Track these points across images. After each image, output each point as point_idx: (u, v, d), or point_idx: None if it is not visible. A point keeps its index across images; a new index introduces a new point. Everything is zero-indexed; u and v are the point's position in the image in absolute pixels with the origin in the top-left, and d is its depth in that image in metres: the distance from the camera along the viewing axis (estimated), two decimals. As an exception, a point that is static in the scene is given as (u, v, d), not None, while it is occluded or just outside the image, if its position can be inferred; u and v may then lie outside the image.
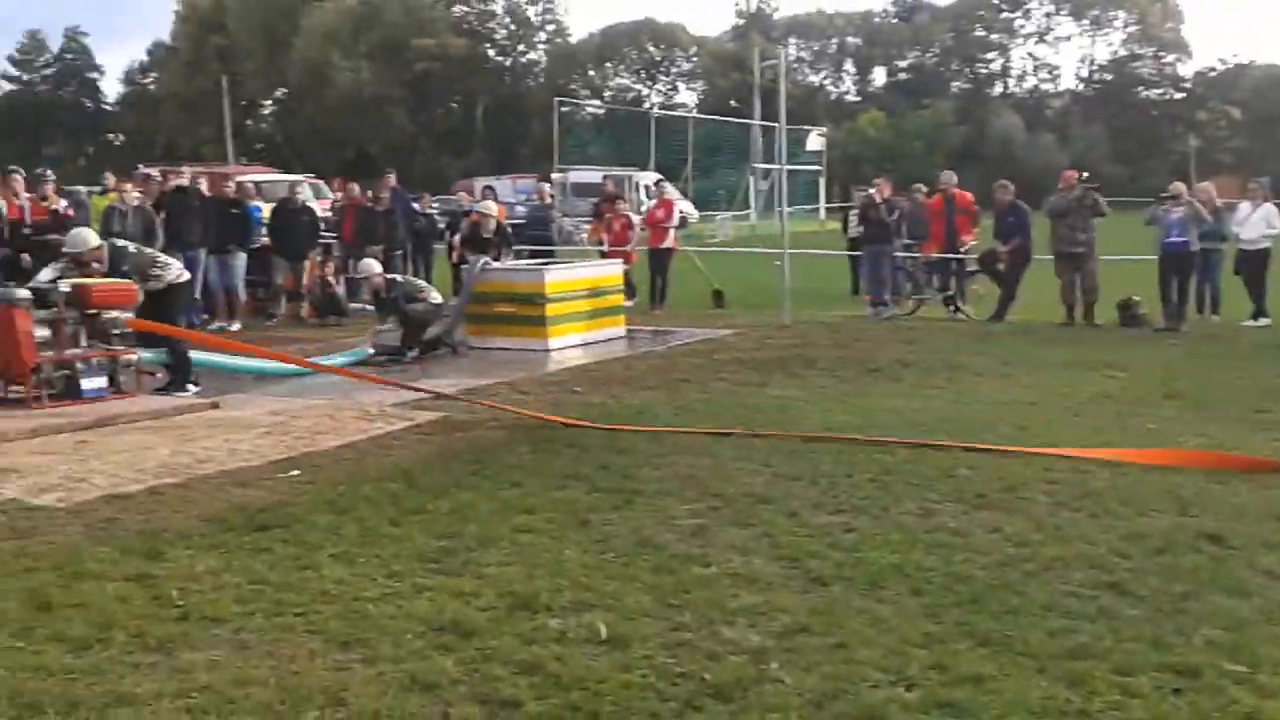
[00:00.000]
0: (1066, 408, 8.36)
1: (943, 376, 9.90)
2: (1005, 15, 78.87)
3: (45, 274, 9.10)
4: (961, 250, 14.80)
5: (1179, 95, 76.23)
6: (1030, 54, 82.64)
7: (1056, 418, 7.95)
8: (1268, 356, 10.95)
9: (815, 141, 49.57)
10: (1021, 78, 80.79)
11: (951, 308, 14.71)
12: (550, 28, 75.87)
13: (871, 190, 15.58)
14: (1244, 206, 14.35)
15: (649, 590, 4.52)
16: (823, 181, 47.99)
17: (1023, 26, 79.95)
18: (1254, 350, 11.41)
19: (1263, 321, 13.39)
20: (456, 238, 15.01)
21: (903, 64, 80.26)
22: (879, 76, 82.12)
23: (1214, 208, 13.89)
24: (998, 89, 79.71)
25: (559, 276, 12.26)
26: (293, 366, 9.46)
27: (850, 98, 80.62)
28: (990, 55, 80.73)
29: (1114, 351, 11.12)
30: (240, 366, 10.01)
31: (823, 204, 46.98)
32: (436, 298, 11.82)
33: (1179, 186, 13.75)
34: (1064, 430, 7.46)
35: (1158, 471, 6.27)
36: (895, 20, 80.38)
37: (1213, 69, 76.39)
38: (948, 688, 3.62)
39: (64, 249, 9.26)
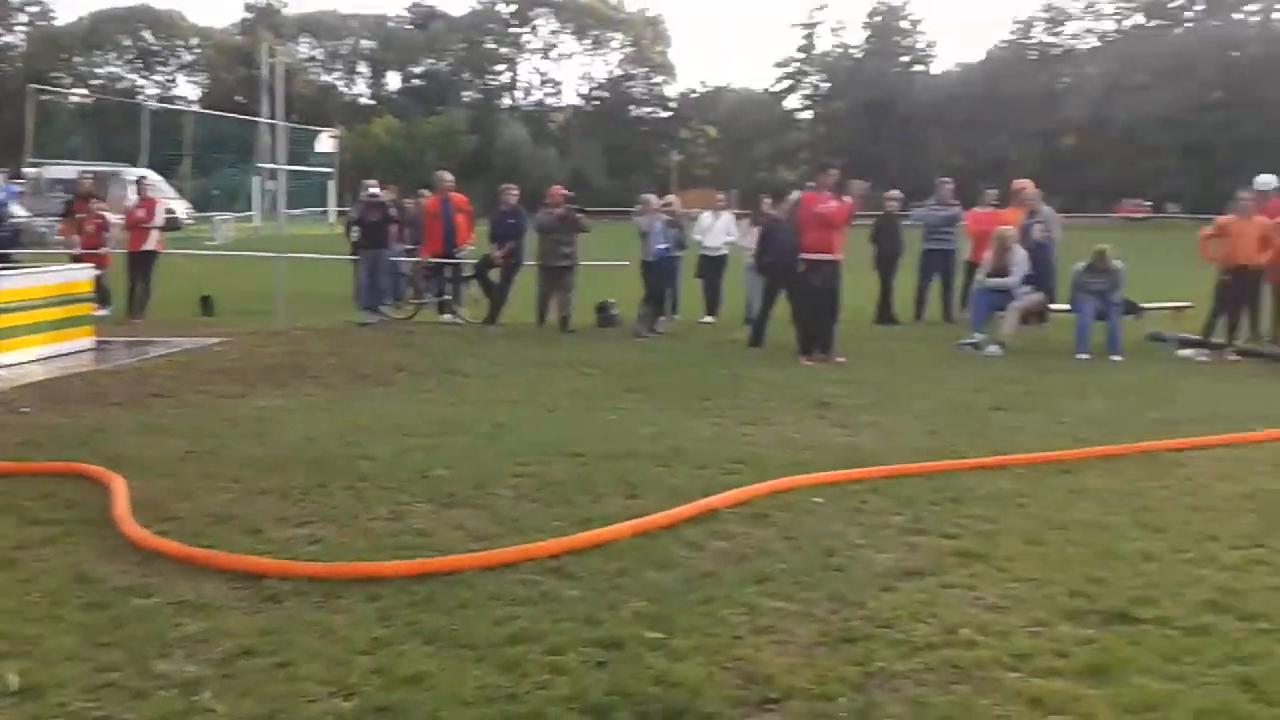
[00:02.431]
0: (542, 404, 8.85)
1: (434, 380, 10.06)
2: (514, 29, 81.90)
3: None
4: (459, 254, 15.01)
5: (665, 114, 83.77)
6: (536, 69, 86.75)
7: (532, 414, 8.38)
8: (715, 352, 12.21)
9: (327, 143, 48.63)
10: (528, 91, 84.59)
11: (447, 312, 14.87)
12: (33, 9, 67.81)
13: (374, 191, 15.35)
14: (706, 216, 15.94)
15: (74, 630, 4.13)
16: (333, 185, 47.12)
17: (530, 41, 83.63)
18: (706, 347, 12.65)
19: (709, 319, 14.92)
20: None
21: (417, 70, 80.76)
22: (393, 81, 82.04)
23: (677, 218, 15.21)
24: (506, 101, 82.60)
25: (13, 284, 11.00)
26: None
27: (365, 101, 79.82)
28: (500, 68, 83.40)
29: (590, 351, 11.91)
30: None
31: (333, 207, 46.15)
32: None
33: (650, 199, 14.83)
34: (537, 426, 7.87)
35: (612, 460, 6.78)
36: (410, 26, 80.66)
37: (694, 90, 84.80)
38: (386, 691, 3.64)
39: None
